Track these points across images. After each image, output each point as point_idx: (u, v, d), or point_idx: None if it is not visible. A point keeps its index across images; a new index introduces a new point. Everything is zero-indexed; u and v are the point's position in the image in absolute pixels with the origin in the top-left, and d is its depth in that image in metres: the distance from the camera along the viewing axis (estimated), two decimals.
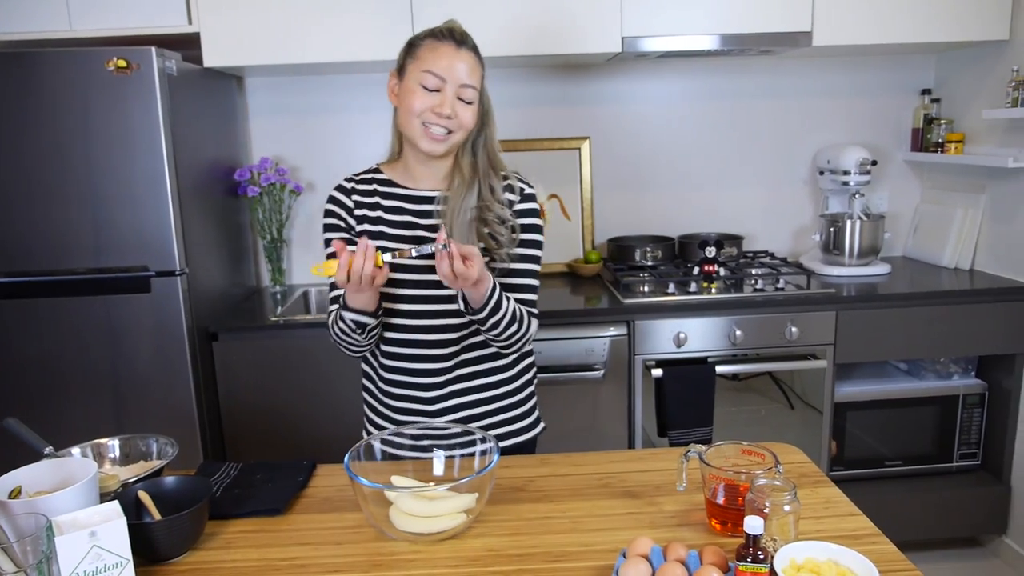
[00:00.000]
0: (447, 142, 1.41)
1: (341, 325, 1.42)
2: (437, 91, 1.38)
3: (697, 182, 3.08)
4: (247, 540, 1.21)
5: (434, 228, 1.48)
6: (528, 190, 1.52)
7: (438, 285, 1.43)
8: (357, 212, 1.51)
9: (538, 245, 1.52)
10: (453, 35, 1.39)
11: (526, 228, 1.50)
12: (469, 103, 1.41)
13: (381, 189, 1.51)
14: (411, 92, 1.39)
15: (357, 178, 1.55)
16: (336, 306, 1.45)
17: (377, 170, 1.55)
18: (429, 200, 1.49)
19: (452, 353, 1.51)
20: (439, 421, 1.48)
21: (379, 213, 1.50)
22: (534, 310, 1.52)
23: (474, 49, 1.41)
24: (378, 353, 1.54)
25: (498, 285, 1.39)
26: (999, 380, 2.65)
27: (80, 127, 2.16)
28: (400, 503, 1.19)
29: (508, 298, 1.42)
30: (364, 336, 1.44)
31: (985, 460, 2.72)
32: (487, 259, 1.42)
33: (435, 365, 1.50)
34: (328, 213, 1.53)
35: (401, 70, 1.43)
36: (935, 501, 2.64)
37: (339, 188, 1.54)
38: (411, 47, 1.43)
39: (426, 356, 1.50)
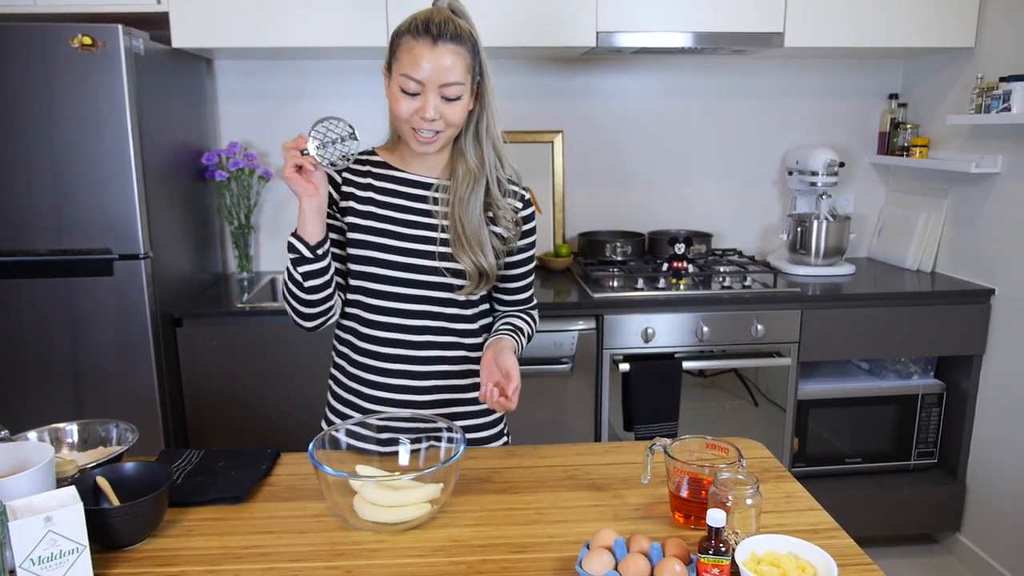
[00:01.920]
0: (437, 142, 1.39)
1: (288, 268, 1.39)
2: (418, 94, 1.34)
3: (668, 179, 3.10)
4: (208, 528, 1.20)
5: (428, 213, 1.45)
6: (526, 196, 1.54)
7: (423, 270, 1.44)
8: (344, 188, 1.47)
9: (534, 245, 1.60)
10: (430, 29, 1.32)
11: (528, 233, 1.54)
12: (456, 99, 1.36)
13: (375, 170, 1.49)
14: (395, 98, 1.36)
15: None
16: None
17: (372, 152, 1.53)
18: (425, 186, 1.47)
19: (430, 343, 1.48)
20: (405, 412, 1.47)
21: (370, 193, 1.46)
22: (534, 300, 1.63)
23: (455, 38, 1.33)
24: (354, 338, 1.50)
25: (516, 345, 1.45)
26: (957, 381, 2.71)
27: (43, 105, 2.11)
28: (364, 492, 1.18)
29: (523, 335, 1.52)
30: (303, 280, 1.37)
31: (942, 459, 2.79)
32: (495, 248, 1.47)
33: (412, 353, 1.48)
34: None
35: (389, 68, 1.39)
36: (893, 498, 2.70)
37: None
38: (392, 45, 1.38)
39: (403, 343, 1.48)
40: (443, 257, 1.44)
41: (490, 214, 1.47)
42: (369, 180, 1.48)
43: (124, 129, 2.14)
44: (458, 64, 1.34)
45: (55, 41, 2.07)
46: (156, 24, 2.38)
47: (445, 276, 1.44)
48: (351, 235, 1.45)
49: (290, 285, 1.40)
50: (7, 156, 2.13)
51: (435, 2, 1.40)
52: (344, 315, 1.52)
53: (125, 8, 2.35)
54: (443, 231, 1.44)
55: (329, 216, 1.44)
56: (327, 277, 1.40)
